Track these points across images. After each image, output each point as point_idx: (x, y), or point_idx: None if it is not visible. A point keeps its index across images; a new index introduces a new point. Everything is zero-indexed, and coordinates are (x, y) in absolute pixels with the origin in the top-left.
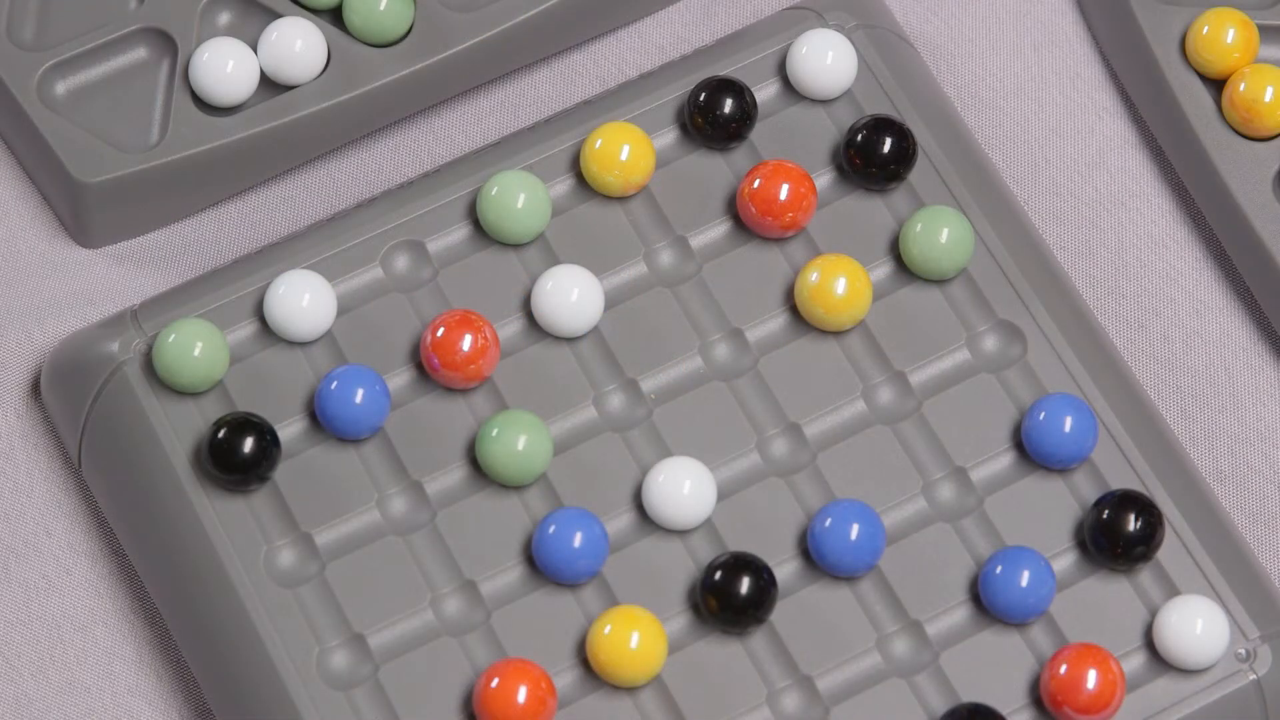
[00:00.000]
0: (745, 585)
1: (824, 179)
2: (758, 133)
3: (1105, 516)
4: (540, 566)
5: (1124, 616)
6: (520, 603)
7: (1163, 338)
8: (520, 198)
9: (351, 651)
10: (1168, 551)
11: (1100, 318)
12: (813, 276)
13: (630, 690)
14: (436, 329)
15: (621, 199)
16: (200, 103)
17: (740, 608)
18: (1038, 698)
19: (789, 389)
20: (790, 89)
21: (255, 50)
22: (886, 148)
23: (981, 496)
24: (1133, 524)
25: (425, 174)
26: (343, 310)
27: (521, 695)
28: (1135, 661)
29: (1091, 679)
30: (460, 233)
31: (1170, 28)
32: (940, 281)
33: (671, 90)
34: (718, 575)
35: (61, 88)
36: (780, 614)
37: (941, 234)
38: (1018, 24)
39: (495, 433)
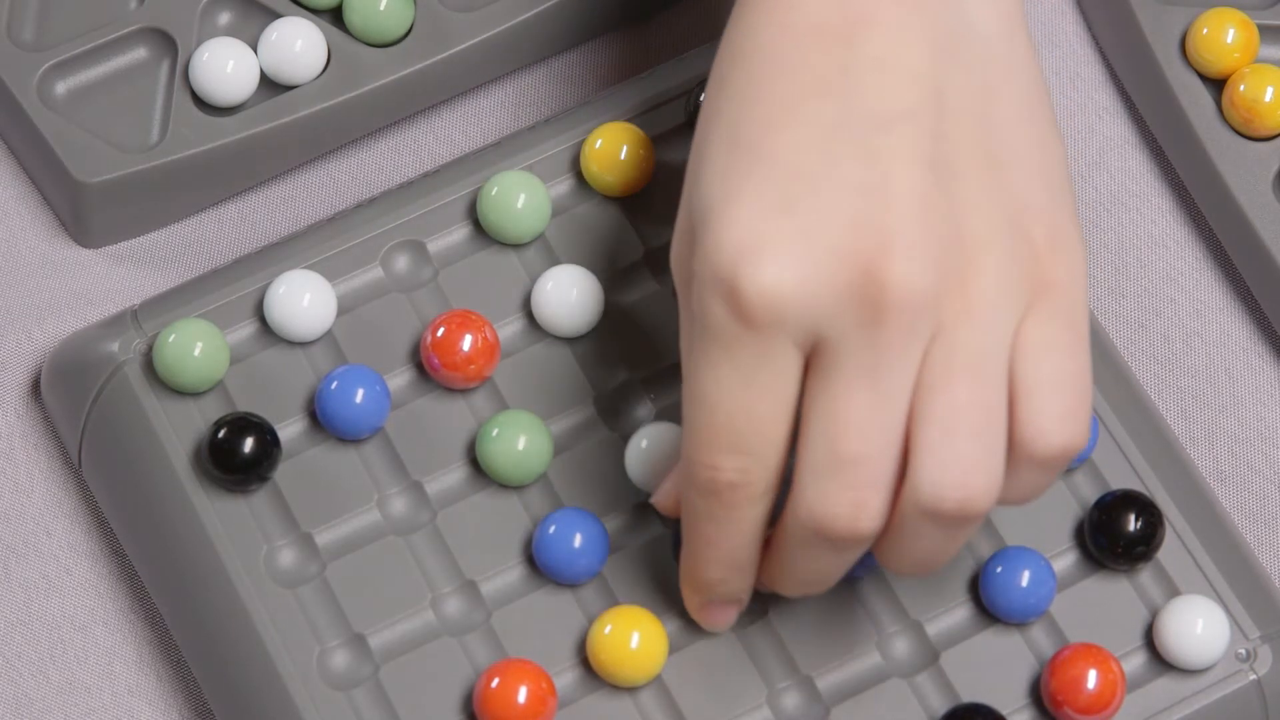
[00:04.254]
0: None
1: None
2: None
3: (1105, 516)
4: (540, 566)
5: (1124, 616)
6: (520, 603)
7: (1163, 338)
8: (520, 198)
9: (351, 651)
10: (1168, 551)
11: (1100, 318)
12: None
13: (630, 690)
14: (436, 329)
15: (621, 199)
16: (200, 103)
17: None
18: (1038, 698)
19: None
20: None
21: (255, 50)
22: None
23: None
24: (1133, 524)
25: (425, 174)
26: (343, 310)
27: (521, 695)
28: (1135, 661)
29: (1091, 679)
30: (460, 233)
31: (1170, 28)
32: None
33: (672, 90)
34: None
35: (61, 88)
36: (780, 614)
37: None
38: None
39: (495, 433)
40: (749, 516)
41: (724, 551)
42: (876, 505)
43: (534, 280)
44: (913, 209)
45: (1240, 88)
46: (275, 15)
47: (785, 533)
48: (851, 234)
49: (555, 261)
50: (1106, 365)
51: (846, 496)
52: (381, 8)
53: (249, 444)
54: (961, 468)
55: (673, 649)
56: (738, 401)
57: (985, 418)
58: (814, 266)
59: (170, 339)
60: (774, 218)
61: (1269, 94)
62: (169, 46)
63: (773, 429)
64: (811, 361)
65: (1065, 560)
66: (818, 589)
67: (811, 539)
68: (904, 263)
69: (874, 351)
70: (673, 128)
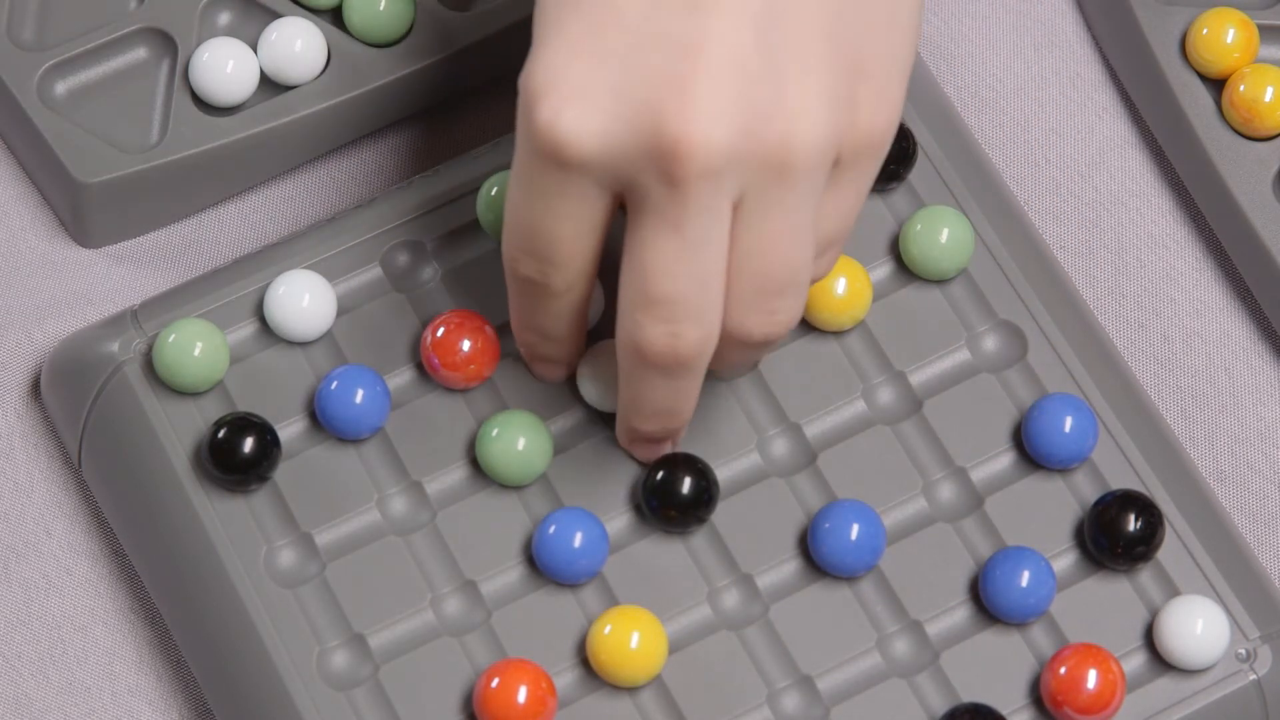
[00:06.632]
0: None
1: None
2: None
3: (1105, 516)
4: (540, 566)
5: (1124, 616)
6: (520, 603)
7: (1163, 338)
8: None
9: (351, 651)
10: (1168, 551)
11: (1100, 318)
12: None
13: (630, 690)
14: (436, 329)
15: None
16: (200, 103)
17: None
18: (1038, 698)
19: (789, 388)
20: None
21: (255, 50)
22: None
23: (981, 496)
24: (1133, 524)
25: (425, 174)
26: (343, 310)
27: (521, 695)
28: (1135, 661)
29: (1091, 679)
30: (460, 233)
31: (1170, 28)
32: (940, 281)
33: None
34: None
35: (61, 88)
36: (780, 614)
37: (941, 234)
38: (1018, 24)
39: (495, 433)
40: (553, 305)
41: (536, 322)
42: (694, 336)
43: None
44: (721, 66)
45: (1240, 88)
46: (275, 15)
47: (619, 359)
48: (652, 88)
49: None
50: (1106, 365)
51: (660, 329)
52: (381, 8)
53: (249, 444)
54: (775, 319)
55: (673, 649)
56: (537, 218)
57: (790, 276)
58: (614, 119)
59: (170, 339)
60: (584, 63)
61: (1269, 94)
62: (169, 46)
63: (572, 247)
64: (626, 200)
65: (1065, 560)
66: (671, 421)
67: (636, 364)
68: (698, 121)
69: (676, 205)
70: None
